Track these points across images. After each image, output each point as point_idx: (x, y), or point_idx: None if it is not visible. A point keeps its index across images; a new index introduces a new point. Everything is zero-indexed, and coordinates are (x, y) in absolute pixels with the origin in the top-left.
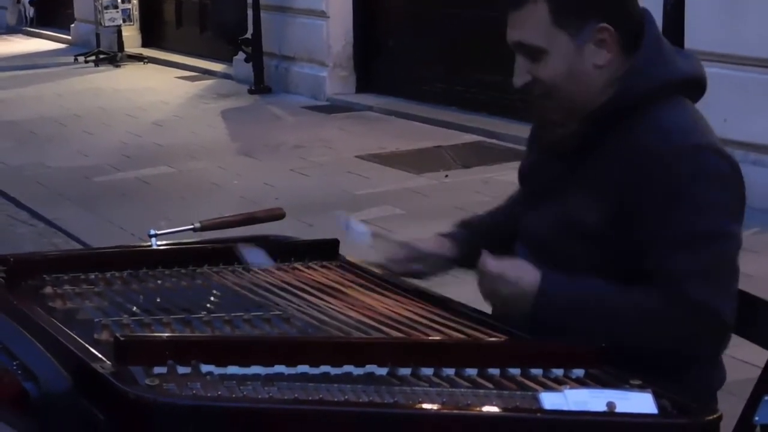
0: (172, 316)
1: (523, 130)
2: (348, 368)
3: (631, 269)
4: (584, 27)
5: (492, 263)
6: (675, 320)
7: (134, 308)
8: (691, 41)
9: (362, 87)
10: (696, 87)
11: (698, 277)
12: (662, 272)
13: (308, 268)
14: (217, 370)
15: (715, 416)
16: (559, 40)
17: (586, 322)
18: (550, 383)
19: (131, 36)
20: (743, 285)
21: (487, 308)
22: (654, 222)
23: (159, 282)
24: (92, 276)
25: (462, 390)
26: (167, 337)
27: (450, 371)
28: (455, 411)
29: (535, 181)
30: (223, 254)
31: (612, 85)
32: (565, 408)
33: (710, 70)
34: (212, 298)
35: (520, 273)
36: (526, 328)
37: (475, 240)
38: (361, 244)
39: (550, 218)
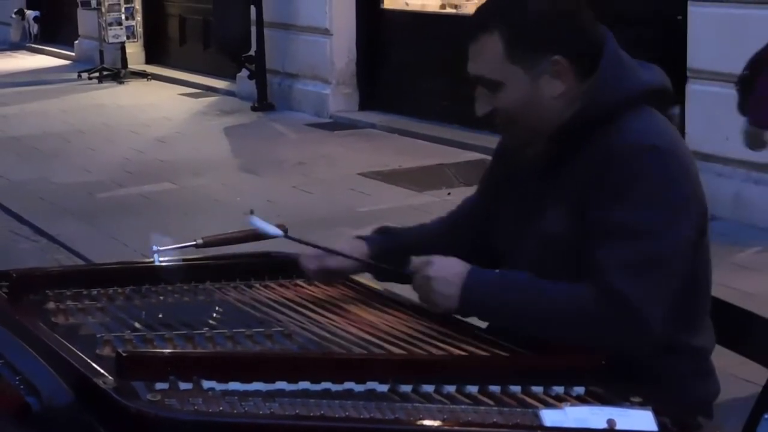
0: (174, 332)
1: None
2: (349, 385)
3: None
4: (538, 60)
5: (420, 261)
6: (596, 309)
7: (136, 324)
8: (693, 60)
9: (365, 104)
10: (661, 96)
11: (625, 270)
12: (592, 263)
13: (310, 284)
14: (218, 386)
15: None
16: (514, 74)
17: (510, 314)
18: (550, 400)
19: (135, 53)
20: (746, 304)
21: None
22: (593, 216)
23: (161, 298)
24: (95, 291)
25: (463, 407)
26: (169, 352)
27: (451, 388)
28: (456, 427)
29: (510, 200)
30: (225, 270)
31: (573, 106)
32: (566, 425)
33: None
34: (214, 314)
35: (448, 267)
36: (527, 344)
37: (391, 247)
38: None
39: (532, 237)
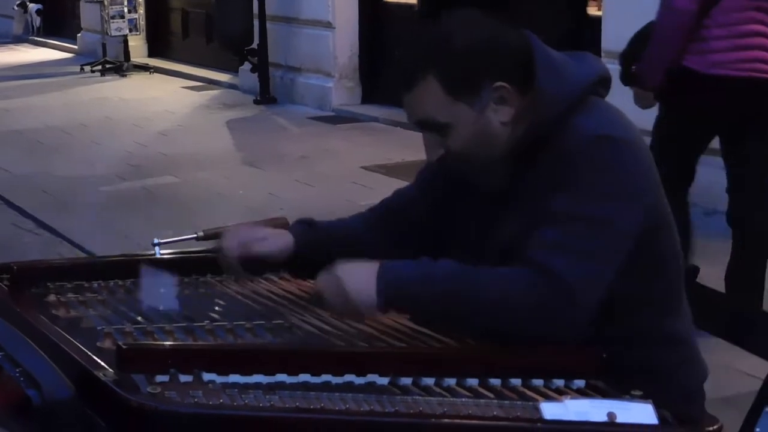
0: (174, 325)
1: None
2: (349, 377)
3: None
4: (479, 91)
5: (321, 276)
6: (526, 286)
7: (137, 317)
8: None
9: (368, 98)
10: (601, 84)
11: (550, 248)
12: (528, 245)
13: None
14: (218, 379)
15: (715, 427)
16: (459, 111)
17: (440, 302)
18: (551, 393)
19: (137, 46)
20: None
21: None
22: (540, 206)
23: (162, 291)
24: (95, 284)
25: (463, 400)
26: (169, 345)
27: (451, 381)
28: (456, 420)
29: (465, 215)
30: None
31: (522, 123)
32: (566, 418)
33: None
34: (215, 307)
35: (356, 265)
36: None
37: (316, 238)
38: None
39: (493, 254)
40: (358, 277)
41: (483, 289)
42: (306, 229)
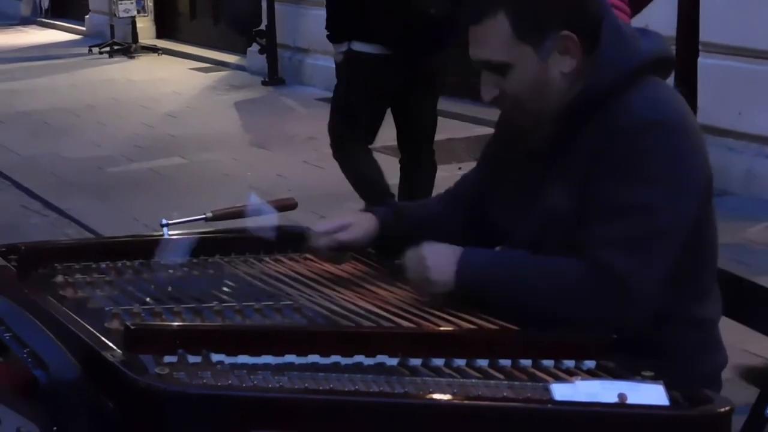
0: (182, 306)
1: None
2: (359, 358)
3: None
4: (546, 37)
5: (412, 249)
6: (586, 282)
7: (145, 297)
8: (705, 34)
9: None
10: (663, 64)
11: (613, 244)
12: (587, 238)
13: (320, 258)
14: (227, 360)
15: (726, 408)
16: (522, 53)
17: (504, 290)
18: (561, 374)
19: (145, 27)
20: (757, 278)
21: None
22: (594, 191)
23: (170, 271)
24: (103, 265)
25: (473, 381)
26: (177, 326)
27: (461, 362)
28: (466, 401)
29: (510, 179)
30: (235, 244)
31: (577, 83)
32: (576, 399)
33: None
34: (223, 288)
35: (441, 247)
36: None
37: (396, 220)
38: (264, 225)
39: (533, 217)
40: (440, 257)
41: (547, 285)
42: (390, 212)
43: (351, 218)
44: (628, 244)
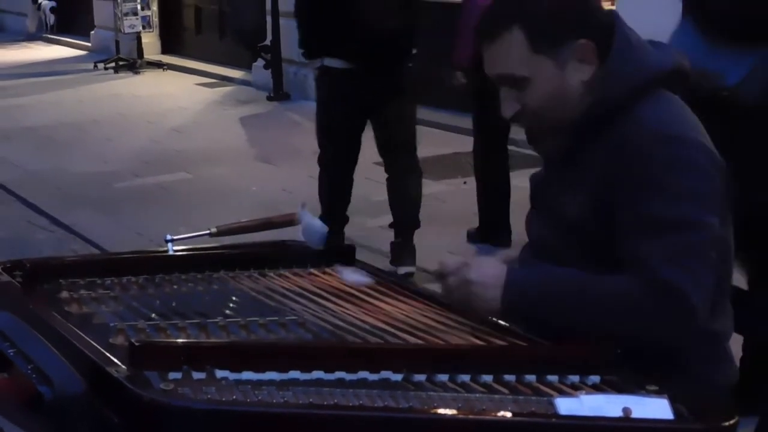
0: (187, 321)
1: None
2: (363, 374)
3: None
4: (563, 47)
5: (452, 263)
6: (646, 302)
7: (150, 313)
8: None
9: None
10: (676, 77)
11: (667, 261)
12: (633, 260)
13: (324, 273)
14: (232, 375)
15: (732, 421)
16: (540, 66)
17: (556, 311)
18: (565, 389)
19: (151, 43)
20: None
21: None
22: (627, 210)
23: (175, 287)
24: (108, 281)
25: (477, 395)
26: (182, 342)
27: (465, 377)
28: (470, 416)
29: (536, 189)
30: (239, 259)
31: (590, 93)
32: (581, 413)
33: None
34: (228, 303)
35: (487, 269)
36: (541, 332)
37: None
38: (312, 241)
39: (548, 223)
40: (485, 288)
41: (605, 305)
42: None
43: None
44: (678, 258)
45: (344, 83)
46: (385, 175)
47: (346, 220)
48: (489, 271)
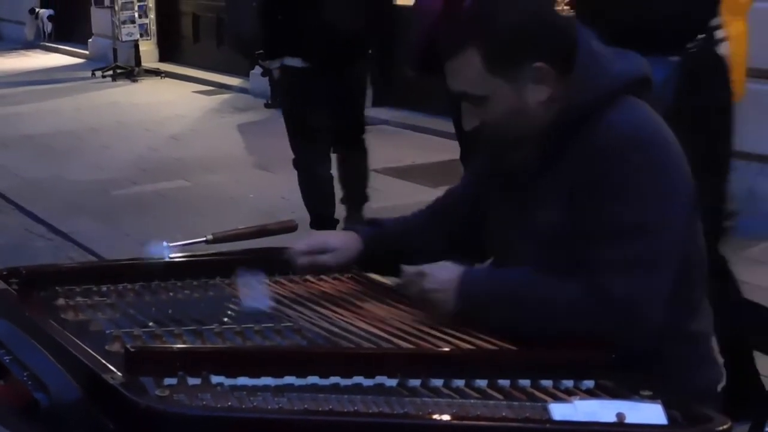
0: (183, 328)
1: None
2: (358, 379)
3: None
4: (519, 70)
5: (410, 268)
6: (590, 310)
7: (146, 320)
8: None
9: (379, 101)
10: (641, 84)
11: (618, 268)
12: (585, 262)
13: (319, 279)
14: (227, 381)
15: (725, 426)
16: (497, 87)
17: (505, 314)
18: (560, 394)
19: (148, 51)
20: (760, 298)
21: None
22: (592, 215)
23: (171, 294)
24: (104, 288)
25: (472, 401)
26: (177, 348)
27: (460, 382)
28: (465, 421)
29: (498, 200)
30: (236, 266)
31: (556, 106)
32: (575, 419)
33: None
34: (224, 310)
35: (441, 276)
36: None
37: (380, 239)
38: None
39: (524, 238)
40: (441, 277)
41: (549, 309)
42: (374, 231)
43: (333, 238)
44: (628, 267)
45: (304, 80)
46: (385, 183)
47: (336, 222)
48: (442, 276)
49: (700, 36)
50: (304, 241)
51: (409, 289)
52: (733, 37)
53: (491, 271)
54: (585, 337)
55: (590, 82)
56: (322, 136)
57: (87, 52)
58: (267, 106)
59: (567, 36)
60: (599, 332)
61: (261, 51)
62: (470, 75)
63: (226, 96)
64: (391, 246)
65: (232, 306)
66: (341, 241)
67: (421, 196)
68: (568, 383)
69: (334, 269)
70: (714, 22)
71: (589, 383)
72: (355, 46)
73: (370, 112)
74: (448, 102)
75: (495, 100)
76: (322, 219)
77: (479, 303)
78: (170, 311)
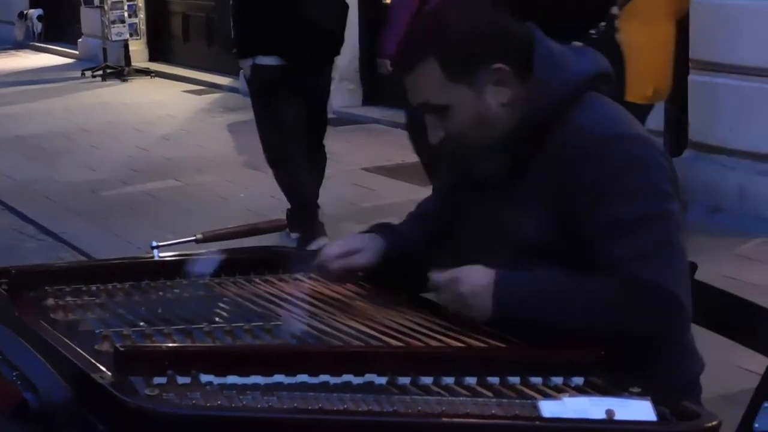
0: (173, 327)
1: None
2: (347, 377)
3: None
4: (478, 73)
5: (442, 275)
6: (631, 303)
7: (136, 320)
8: (695, 52)
9: (369, 99)
10: (601, 80)
11: (643, 258)
12: (609, 263)
13: (309, 278)
14: (216, 380)
15: (714, 423)
16: (458, 93)
17: (544, 313)
18: (549, 391)
19: (138, 50)
20: (750, 295)
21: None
22: (591, 216)
23: (161, 293)
24: (94, 288)
25: (461, 398)
26: (167, 347)
27: (449, 380)
28: (455, 419)
29: (472, 208)
30: (225, 265)
31: (518, 110)
32: (565, 416)
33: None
34: (214, 309)
35: (477, 281)
36: (527, 335)
37: (401, 244)
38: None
39: (504, 245)
40: (477, 299)
41: (590, 307)
42: (392, 233)
43: (359, 241)
44: (650, 253)
45: (277, 78)
46: (375, 182)
47: (317, 207)
48: (477, 280)
49: (601, 24)
50: (335, 244)
51: (444, 295)
52: (660, 39)
53: (524, 273)
54: (626, 324)
55: (552, 81)
56: (299, 131)
57: (77, 52)
58: None
59: (522, 36)
60: (641, 321)
61: (234, 50)
62: (430, 85)
63: (216, 95)
64: (411, 250)
65: (221, 305)
66: (365, 241)
67: (411, 194)
68: (558, 380)
69: (364, 271)
70: (613, 10)
71: (578, 380)
72: (332, 44)
73: (360, 110)
74: (408, 125)
75: (457, 107)
76: (303, 209)
77: (519, 305)
78: (160, 310)
